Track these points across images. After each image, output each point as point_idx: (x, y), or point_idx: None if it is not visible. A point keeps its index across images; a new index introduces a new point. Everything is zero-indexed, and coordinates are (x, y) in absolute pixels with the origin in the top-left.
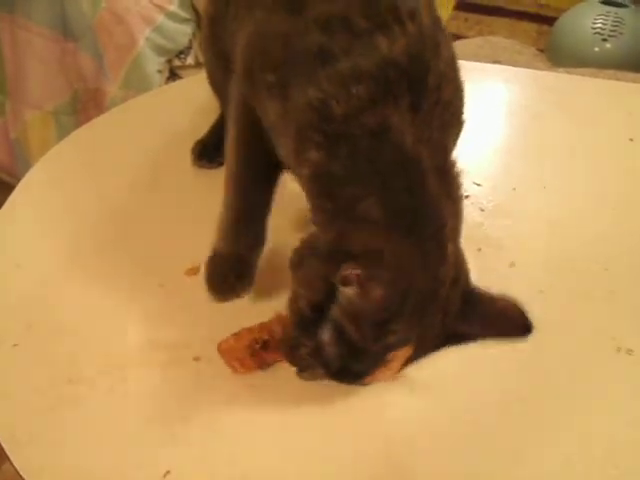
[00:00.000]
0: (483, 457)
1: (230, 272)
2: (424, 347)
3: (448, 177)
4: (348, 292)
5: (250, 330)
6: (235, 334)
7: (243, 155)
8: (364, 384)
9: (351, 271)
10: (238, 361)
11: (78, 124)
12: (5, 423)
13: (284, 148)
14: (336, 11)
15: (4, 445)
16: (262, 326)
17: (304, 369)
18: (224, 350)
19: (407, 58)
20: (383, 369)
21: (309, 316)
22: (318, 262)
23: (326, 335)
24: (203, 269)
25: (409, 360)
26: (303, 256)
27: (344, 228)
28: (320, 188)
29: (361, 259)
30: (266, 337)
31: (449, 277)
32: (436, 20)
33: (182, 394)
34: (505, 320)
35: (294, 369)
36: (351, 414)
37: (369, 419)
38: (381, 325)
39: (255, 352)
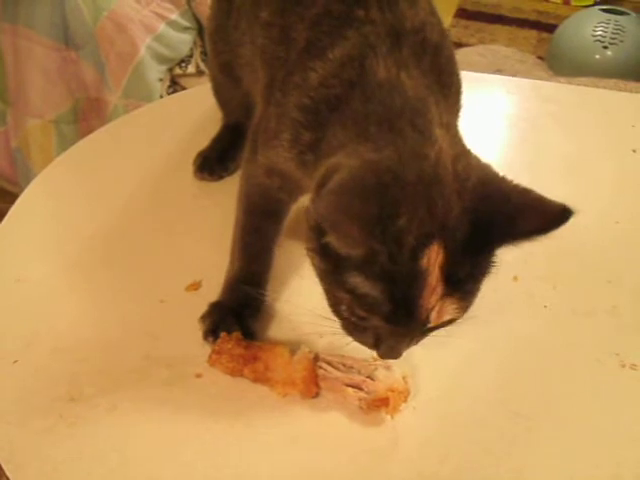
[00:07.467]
0: (486, 475)
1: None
2: (455, 242)
3: (440, 82)
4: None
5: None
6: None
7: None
8: (428, 322)
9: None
10: (233, 360)
11: (79, 133)
12: (5, 442)
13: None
14: (319, 9)
15: (4, 465)
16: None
17: (354, 332)
18: (216, 358)
19: (380, 14)
20: (431, 291)
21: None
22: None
23: (354, 278)
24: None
25: (451, 265)
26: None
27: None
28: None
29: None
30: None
31: (444, 156)
32: None
33: (184, 412)
34: (537, 206)
35: None
36: (355, 431)
37: (373, 437)
38: (382, 221)
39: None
